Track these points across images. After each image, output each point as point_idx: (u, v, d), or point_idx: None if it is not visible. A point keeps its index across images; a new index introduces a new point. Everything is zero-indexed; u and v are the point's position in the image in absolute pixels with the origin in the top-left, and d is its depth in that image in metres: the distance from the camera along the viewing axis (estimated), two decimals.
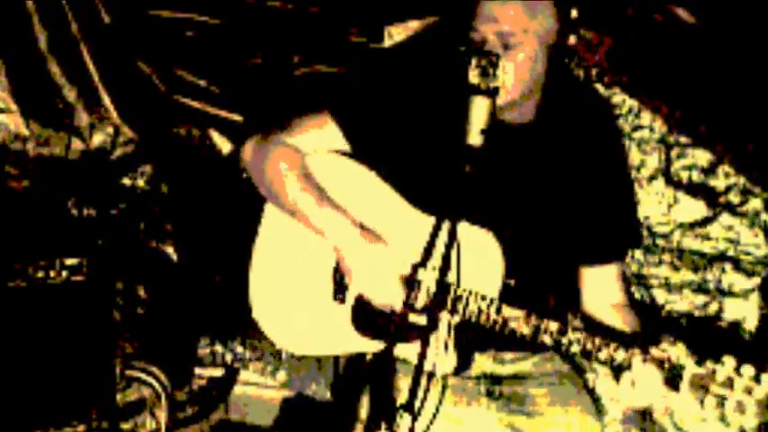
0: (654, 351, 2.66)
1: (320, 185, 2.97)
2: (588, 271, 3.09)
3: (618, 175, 3.10)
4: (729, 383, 2.55)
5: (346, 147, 3.00)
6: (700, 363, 2.61)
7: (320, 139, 3.00)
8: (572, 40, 2.90)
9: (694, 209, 3.84)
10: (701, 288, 3.85)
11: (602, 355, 2.69)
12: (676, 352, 2.64)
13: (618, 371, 2.70)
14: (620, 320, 2.97)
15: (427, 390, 2.32)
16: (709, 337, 3.57)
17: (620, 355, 2.68)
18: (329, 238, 2.91)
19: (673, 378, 2.63)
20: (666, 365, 2.64)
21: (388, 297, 2.85)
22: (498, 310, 2.74)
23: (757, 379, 2.54)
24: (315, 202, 2.93)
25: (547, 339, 2.73)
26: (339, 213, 2.91)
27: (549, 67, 2.86)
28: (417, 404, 2.26)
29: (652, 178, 3.84)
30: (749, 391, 2.53)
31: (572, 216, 2.99)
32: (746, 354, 2.59)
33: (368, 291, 2.88)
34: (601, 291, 3.07)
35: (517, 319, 2.74)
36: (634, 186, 3.23)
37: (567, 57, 2.99)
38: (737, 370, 2.56)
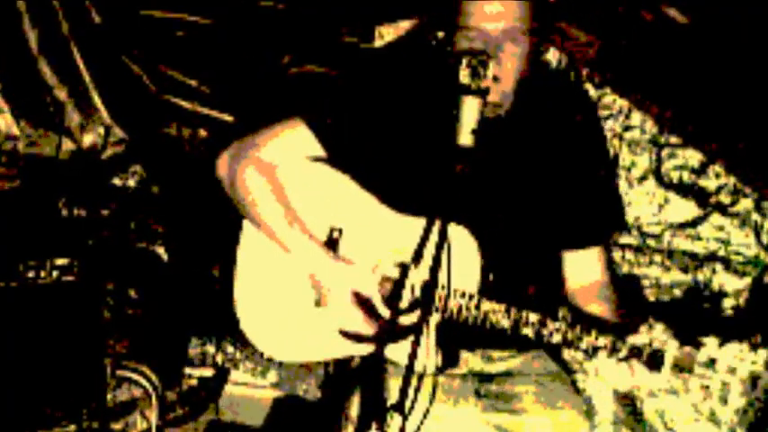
0: (635, 336, 2.67)
1: (290, 205, 2.99)
2: (570, 255, 3.10)
3: (595, 159, 3.11)
4: (712, 364, 2.55)
5: (320, 151, 3.00)
6: (682, 344, 2.61)
7: (293, 145, 3.00)
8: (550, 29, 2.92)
9: (685, 209, 3.84)
10: (691, 288, 3.85)
11: (584, 343, 2.70)
12: (658, 334, 2.65)
13: (599, 352, 2.71)
14: (603, 299, 3.00)
15: (417, 390, 2.32)
16: (693, 322, 3.57)
17: (602, 342, 2.68)
18: (297, 260, 2.94)
19: (655, 362, 2.64)
20: (647, 350, 2.65)
21: (355, 324, 2.88)
22: (478, 306, 2.75)
23: (740, 358, 2.54)
24: (285, 223, 2.95)
25: (528, 331, 2.74)
26: (307, 237, 2.94)
27: (531, 57, 2.86)
28: (408, 404, 2.26)
29: (643, 178, 3.84)
30: (732, 371, 2.53)
31: (551, 204, 3.00)
32: (730, 336, 2.59)
33: (339, 317, 2.91)
34: (582, 272, 3.10)
35: (497, 313, 2.74)
36: (614, 171, 3.25)
37: (543, 45, 2.99)
38: (720, 350, 2.56)
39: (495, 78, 2.68)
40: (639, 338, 2.66)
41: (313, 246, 2.93)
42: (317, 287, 2.94)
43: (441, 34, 3.72)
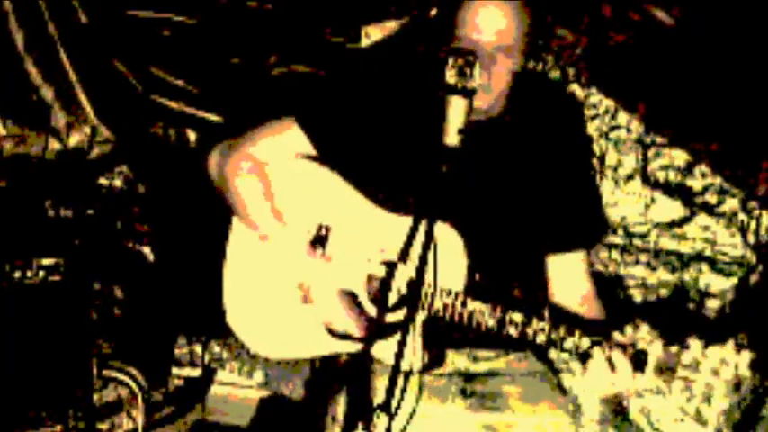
0: (618, 337, 2.66)
1: (278, 204, 3.00)
2: (554, 263, 3.10)
3: (580, 159, 3.12)
4: (696, 365, 2.54)
5: (311, 150, 3.00)
6: (666, 346, 2.61)
7: (284, 144, 3.01)
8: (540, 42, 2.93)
9: (671, 209, 3.85)
10: (677, 288, 3.86)
11: (568, 344, 2.70)
12: (642, 336, 2.64)
13: (585, 358, 2.71)
14: (587, 310, 2.99)
15: (404, 389, 2.32)
16: (678, 325, 3.58)
17: (586, 343, 2.68)
18: (285, 257, 2.96)
19: (639, 362, 2.63)
20: (631, 350, 2.64)
21: (341, 321, 2.90)
22: (464, 304, 2.75)
23: (724, 360, 2.53)
24: (274, 221, 2.99)
25: (512, 331, 2.73)
26: (295, 235, 2.97)
27: (520, 71, 2.88)
28: (394, 404, 2.26)
29: (629, 178, 3.85)
30: (716, 373, 2.53)
31: (536, 208, 3.00)
32: (714, 338, 2.58)
33: (325, 315, 2.93)
34: (567, 282, 3.09)
35: (482, 313, 2.74)
36: (596, 177, 3.24)
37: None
38: (704, 352, 2.55)
39: (487, 88, 2.71)
40: (624, 338, 2.66)
41: (300, 244, 2.94)
42: (301, 285, 2.95)
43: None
